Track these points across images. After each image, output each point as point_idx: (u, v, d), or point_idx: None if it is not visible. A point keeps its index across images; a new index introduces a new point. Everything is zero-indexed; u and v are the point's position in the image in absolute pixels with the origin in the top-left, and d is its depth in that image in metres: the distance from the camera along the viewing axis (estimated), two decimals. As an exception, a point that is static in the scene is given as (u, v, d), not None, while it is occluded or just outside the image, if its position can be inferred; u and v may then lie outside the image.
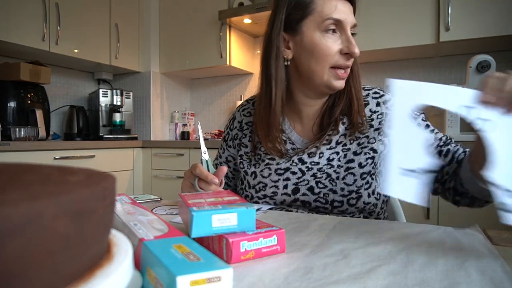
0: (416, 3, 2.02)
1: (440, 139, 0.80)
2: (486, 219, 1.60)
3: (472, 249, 0.47)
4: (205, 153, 0.76)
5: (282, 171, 0.83)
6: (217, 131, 2.87)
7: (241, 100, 2.94)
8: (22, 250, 0.19)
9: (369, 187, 0.81)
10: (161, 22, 2.90)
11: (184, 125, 3.01)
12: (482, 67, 1.69)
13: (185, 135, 2.92)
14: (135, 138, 2.72)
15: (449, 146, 0.78)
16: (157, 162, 2.56)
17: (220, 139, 2.72)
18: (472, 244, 0.49)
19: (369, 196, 0.80)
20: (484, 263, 0.42)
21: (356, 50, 0.77)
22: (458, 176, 0.73)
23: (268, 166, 0.85)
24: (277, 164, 0.84)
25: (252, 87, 2.97)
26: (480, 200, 0.70)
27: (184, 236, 0.38)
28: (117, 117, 2.69)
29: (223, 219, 0.42)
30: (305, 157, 0.83)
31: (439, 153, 0.79)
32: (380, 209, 0.85)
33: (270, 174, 0.84)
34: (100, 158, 2.28)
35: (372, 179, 0.82)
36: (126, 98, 2.76)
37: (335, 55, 0.77)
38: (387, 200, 0.89)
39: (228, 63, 2.61)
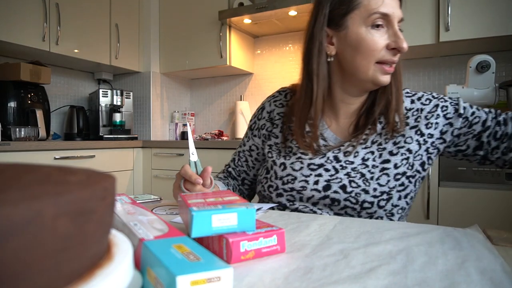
0: (416, 3, 2.02)
1: (490, 112, 0.81)
2: (486, 219, 1.60)
3: (472, 249, 0.47)
4: (193, 154, 0.75)
5: (315, 167, 0.81)
6: (217, 131, 2.87)
7: (241, 100, 2.94)
8: (22, 250, 0.19)
9: (403, 189, 0.79)
10: (161, 22, 2.90)
11: (184, 125, 3.01)
12: (482, 67, 1.69)
13: (185, 135, 2.92)
14: (135, 138, 2.72)
15: (505, 115, 0.80)
16: (157, 162, 2.56)
17: (220, 139, 2.72)
18: (472, 244, 0.49)
19: (399, 198, 0.78)
20: (484, 263, 0.42)
21: (405, 45, 0.75)
22: None
23: (300, 160, 0.83)
24: (310, 159, 0.82)
25: (252, 87, 2.97)
26: None
27: (184, 236, 0.38)
28: (117, 117, 2.69)
29: (223, 219, 0.42)
30: (340, 155, 0.81)
31: (498, 122, 0.80)
32: (405, 215, 0.83)
33: (302, 168, 0.82)
34: (100, 158, 2.28)
35: (410, 182, 0.80)
36: (126, 98, 2.76)
37: (381, 50, 0.76)
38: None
39: (228, 63, 2.61)
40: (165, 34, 2.88)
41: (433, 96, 0.85)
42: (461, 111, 0.81)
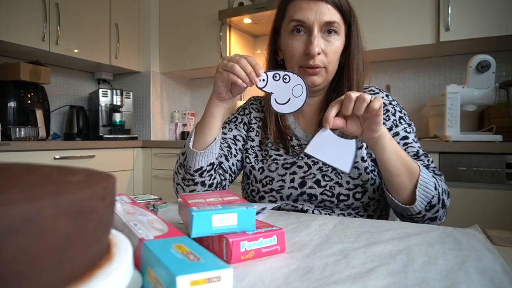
0: (416, 3, 2.02)
1: (411, 153, 0.81)
2: (486, 219, 1.60)
3: (472, 249, 0.47)
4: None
5: (289, 165, 0.86)
6: (217, 131, 2.87)
7: (241, 100, 2.94)
8: (22, 250, 0.19)
9: (374, 182, 0.82)
10: (161, 22, 2.90)
11: (184, 125, 3.01)
12: (482, 67, 1.69)
13: (185, 135, 2.92)
14: (135, 138, 2.72)
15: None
16: (157, 162, 2.56)
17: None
18: (472, 244, 0.49)
19: (374, 191, 0.82)
20: (484, 263, 0.42)
21: (313, 50, 0.79)
22: None
23: (275, 161, 0.88)
24: (284, 159, 0.88)
25: (252, 87, 2.96)
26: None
27: (184, 236, 0.38)
28: (117, 117, 2.69)
29: (223, 219, 0.42)
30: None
31: None
32: (383, 206, 0.86)
33: (277, 168, 0.87)
34: (100, 158, 2.28)
35: (375, 175, 0.83)
36: (126, 98, 2.76)
37: (300, 56, 0.81)
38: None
39: (228, 63, 2.61)
40: (165, 34, 2.88)
41: (390, 102, 0.88)
42: (392, 132, 0.84)
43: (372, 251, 0.46)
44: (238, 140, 0.96)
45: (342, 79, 0.87)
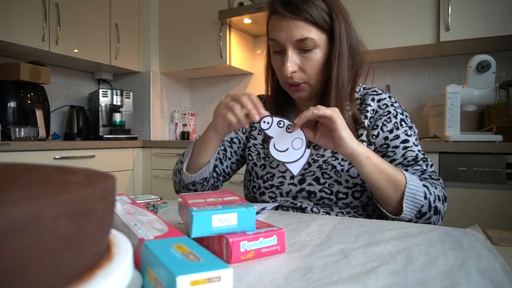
0: (416, 3, 2.02)
1: (405, 158, 0.81)
2: (486, 219, 1.60)
3: (472, 249, 0.47)
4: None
5: None
6: (217, 131, 2.87)
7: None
8: (22, 250, 0.19)
9: None
10: (161, 22, 2.90)
11: (184, 125, 3.01)
12: (482, 67, 1.69)
13: (185, 135, 2.92)
14: (135, 138, 2.72)
15: (410, 169, 0.80)
16: (157, 162, 2.56)
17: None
18: (472, 244, 0.49)
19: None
20: (484, 263, 0.42)
21: (285, 72, 0.79)
22: None
23: None
24: None
25: (252, 87, 2.97)
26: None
27: (184, 236, 0.38)
28: (117, 117, 2.69)
29: (223, 219, 0.42)
30: (311, 149, 0.86)
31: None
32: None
33: (278, 165, 0.88)
34: (100, 158, 2.28)
35: None
36: (126, 98, 2.75)
37: (281, 75, 0.82)
38: None
39: (228, 63, 2.61)
40: (165, 34, 2.88)
41: (392, 103, 0.86)
42: (390, 136, 0.84)
43: (372, 251, 0.46)
44: (234, 143, 0.98)
45: (332, 84, 0.84)
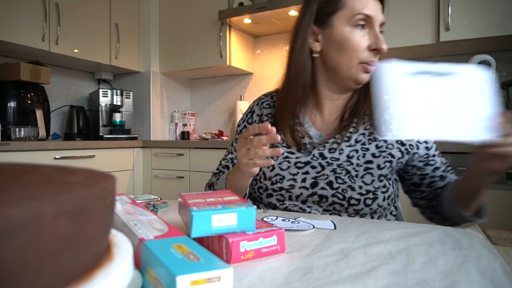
0: (416, 3, 2.02)
1: (445, 164, 0.85)
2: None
3: (472, 249, 0.47)
4: None
5: (302, 165, 0.83)
6: (217, 131, 2.87)
7: (241, 100, 2.94)
8: (22, 250, 0.19)
9: (386, 191, 0.81)
10: (161, 22, 2.90)
11: (184, 125, 3.01)
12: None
13: (185, 135, 2.92)
14: (135, 138, 2.72)
15: (448, 174, 0.85)
16: (157, 162, 2.56)
17: (220, 139, 2.72)
18: (472, 244, 0.49)
19: (384, 199, 0.81)
20: (484, 263, 0.42)
21: (384, 46, 0.78)
22: (440, 198, 0.83)
23: (287, 159, 0.85)
24: (297, 158, 0.84)
25: (252, 87, 2.97)
26: (452, 222, 0.80)
27: (184, 236, 0.38)
28: (117, 117, 2.69)
29: (223, 219, 0.42)
30: (325, 152, 0.83)
31: (441, 177, 0.85)
32: (389, 214, 0.86)
33: (289, 167, 0.84)
34: (100, 158, 2.28)
35: (389, 184, 0.82)
36: (126, 98, 2.75)
37: (363, 51, 0.79)
38: (395, 205, 0.90)
39: (228, 63, 2.61)
40: (165, 34, 2.88)
41: None
42: (429, 145, 0.85)
43: (372, 251, 0.46)
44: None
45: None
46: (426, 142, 0.84)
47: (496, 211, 1.57)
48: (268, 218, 0.64)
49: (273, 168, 0.86)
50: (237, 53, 2.69)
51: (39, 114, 2.23)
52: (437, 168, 0.84)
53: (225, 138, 2.83)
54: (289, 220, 0.63)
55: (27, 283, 0.20)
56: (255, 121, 0.95)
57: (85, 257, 0.24)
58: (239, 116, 2.80)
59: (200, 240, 0.43)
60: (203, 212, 0.41)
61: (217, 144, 2.33)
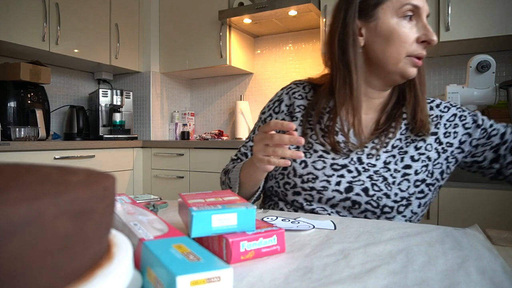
0: (416, 3, 2.02)
1: (510, 126, 0.82)
2: (486, 219, 1.60)
3: (472, 249, 0.47)
4: None
5: (339, 167, 0.79)
6: (217, 131, 2.87)
7: (241, 100, 2.94)
8: (22, 250, 0.19)
9: (423, 197, 0.78)
10: (161, 22, 2.90)
11: (184, 125, 3.01)
12: (482, 67, 1.69)
13: (185, 135, 2.92)
14: (135, 138, 2.72)
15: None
16: (157, 162, 2.56)
17: (220, 139, 2.72)
18: (472, 244, 0.49)
19: (419, 206, 0.78)
20: (484, 263, 0.42)
21: (435, 38, 0.75)
22: None
23: (322, 159, 0.80)
24: (333, 159, 0.80)
25: (252, 87, 2.97)
26: None
27: (184, 236, 0.38)
28: (117, 117, 2.69)
29: (223, 219, 0.42)
30: (363, 157, 0.80)
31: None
32: (417, 221, 0.83)
33: (324, 167, 0.79)
34: (100, 158, 2.28)
35: (429, 190, 0.79)
36: (126, 98, 2.76)
37: (412, 43, 0.76)
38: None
39: (228, 63, 2.61)
40: (165, 34, 2.88)
41: (451, 105, 0.86)
42: (480, 122, 0.82)
43: (372, 251, 0.46)
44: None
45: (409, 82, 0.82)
46: (474, 122, 0.82)
47: (496, 211, 1.57)
48: (268, 218, 0.64)
49: (306, 165, 0.80)
50: (237, 53, 2.70)
51: (39, 114, 2.23)
52: (503, 134, 0.80)
53: (225, 138, 2.83)
54: (289, 220, 0.63)
55: (27, 283, 0.20)
56: (282, 111, 0.90)
57: (85, 257, 0.24)
58: (239, 116, 2.80)
59: (200, 240, 0.43)
60: (203, 212, 0.41)
61: (217, 144, 2.33)
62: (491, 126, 0.82)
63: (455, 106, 0.86)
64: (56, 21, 2.26)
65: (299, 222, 0.61)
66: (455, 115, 0.84)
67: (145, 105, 2.88)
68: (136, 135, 2.79)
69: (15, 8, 2.06)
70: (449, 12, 1.91)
